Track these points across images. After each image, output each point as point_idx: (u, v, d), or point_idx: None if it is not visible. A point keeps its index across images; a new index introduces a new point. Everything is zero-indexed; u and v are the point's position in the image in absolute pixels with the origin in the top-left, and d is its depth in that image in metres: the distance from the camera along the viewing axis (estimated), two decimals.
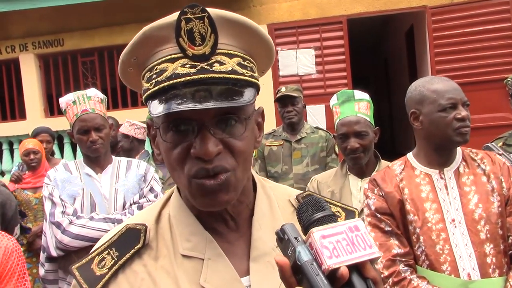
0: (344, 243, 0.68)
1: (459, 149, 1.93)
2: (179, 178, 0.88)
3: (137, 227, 0.93)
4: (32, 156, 4.18)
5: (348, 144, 2.45)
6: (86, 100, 2.58)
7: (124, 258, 0.90)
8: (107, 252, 0.91)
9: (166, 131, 0.85)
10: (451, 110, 1.84)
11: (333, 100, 2.59)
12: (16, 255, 1.83)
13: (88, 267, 0.90)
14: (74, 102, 2.58)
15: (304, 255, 0.67)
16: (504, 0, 6.46)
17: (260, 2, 7.03)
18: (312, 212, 0.74)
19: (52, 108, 7.76)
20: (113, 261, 0.90)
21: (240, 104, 0.82)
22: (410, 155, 2.01)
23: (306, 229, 0.73)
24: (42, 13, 7.09)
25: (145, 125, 4.63)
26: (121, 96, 7.54)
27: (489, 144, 2.89)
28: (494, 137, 3.31)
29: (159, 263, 0.90)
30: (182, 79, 0.81)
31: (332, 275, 0.66)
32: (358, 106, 2.48)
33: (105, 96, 2.73)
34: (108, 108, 2.75)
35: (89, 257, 0.92)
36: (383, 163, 2.57)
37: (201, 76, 0.82)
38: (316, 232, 0.69)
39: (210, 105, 0.79)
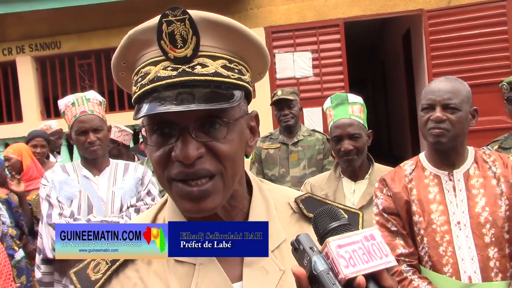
0: (360, 252, 0.68)
1: (471, 150, 1.93)
2: (161, 181, 0.87)
3: None
4: (6, 164, 4.19)
5: (341, 146, 2.45)
6: (85, 102, 2.59)
7: (117, 263, 0.90)
8: None
9: (151, 134, 0.85)
10: (429, 111, 1.87)
11: (327, 103, 2.60)
12: (3, 256, 1.83)
13: (84, 271, 0.91)
14: (73, 104, 2.58)
15: (320, 265, 0.67)
16: (500, 4, 6.48)
17: (257, 5, 7.04)
18: (327, 221, 0.74)
19: (49, 111, 7.73)
20: (107, 266, 0.90)
21: (221, 107, 0.81)
22: (422, 155, 2.01)
23: (322, 238, 0.73)
24: (39, 16, 7.08)
25: (131, 131, 4.64)
26: (118, 99, 7.53)
27: (484, 147, 2.90)
28: (490, 140, 3.32)
29: (152, 267, 0.90)
30: (163, 82, 0.81)
31: (348, 285, 0.66)
32: (352, 109, 2.49)
33: (104, 99, 2.73)
34: (105, 111, 2.75)
35: (86, 261, 0.92)
36: (376, 166, 2.59)
37: (182, 78, 0.81)
38: (332, 242, 0.69)
39: (190, 107, 0.78)
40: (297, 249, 0.72)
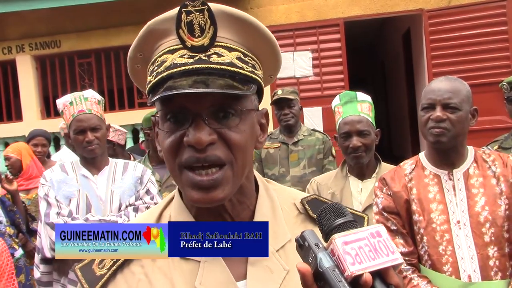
0: (366, 249, 0.68)
1: (471, 150, 1.93)
2: (172, 169, 0.88)
3: None
4: (6, 163, 4.25)
5: (350, 143, 2.44)
6: (83, 101, 2.58)
7: (122, 259, 0.90)
8: None
9: (164, 121, 0.86)
10: (429, 110, 1.87)
11: (336, 101, 2.59)
12: (6, 255, 1.83)
13: (89, 267, 0.91)
14: (71, 103, 2.58)
15: (325, 262, 0.67)
16: (500, 4, 6.48)
17: (258, 5, 7.03)
18: (332, 218, 0.73)
19: (49, 110, 7.73)
20: (112, 261, 0.90)
21: (236, 92, 0.82)
22: (422, 155, 2.02)
23: (327, 235, 0.72)
24: (39, 15, 7.08)
25: (125, 130, 4.63)
26: (118, 98, 7.53)
27: (484, 147, 2.89)
28: (490, 140, 3.32)
29: (157, 264, 0.90)
30: (180, 69, 0.82)
31: (354, 282, 0.65)
32: (361, 107, 2.49)
33: (102, 98, 2.73)
34: (105, 110, 2.75)
35: None
36: (384, 165, 2.57)
37: (198, 66, 0.82)
38: (338, 238, 0.68)
39: (205, 90, 0.79)
40: (302, 245, 0.72)
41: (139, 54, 0.93)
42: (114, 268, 0.90)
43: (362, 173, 2.55)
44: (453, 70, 6.23)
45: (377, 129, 2.54)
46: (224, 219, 0.92)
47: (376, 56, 12.68)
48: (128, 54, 0.94)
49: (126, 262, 0.90)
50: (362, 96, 2.53)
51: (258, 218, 0.94)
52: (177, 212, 0.95)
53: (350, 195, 2.52)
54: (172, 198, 1.00)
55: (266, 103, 5.31)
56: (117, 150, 4.42)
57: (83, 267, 0.92)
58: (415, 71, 8.02)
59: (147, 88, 0.88)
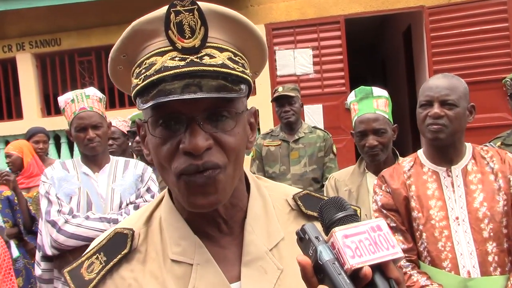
0: (366, 243, 0.68)
1: (469, 147, 1.95)
2: (168, 176, 0.85)
3: (125, 232, 0.91)
4: (7, 160, 4.26)
5: (366, 142, 2.44)
6: (85, 99, 2.58)
7: (111, 264, 0.88)
8: (95, 256, 0.90)
9: (155, 126, 0.83)
10: (426, 107, 1.89)
11: (351, 97, 2.58)
12: (3, 250, 1.83)
13: (78, 271, 0.89)
14: (72, 100, 2.58)
15: (325, 255, 0.67)
16: (502, 0, 6.47)
17: (258, 2, 7.02)
18: (333, 211, 0.73)
19: (49, 108, 7.73)
20: (101, 266, 0.88)
21: (229, 96, 0.80)
22: (420, 152, 2.03)
23: (327, 228, 0.72)
24: (39, 13, 7.07)
25: None
26: (118, 96, 7.52)
27: (487, 144, 2.89)
28: (493, 137, 3.31)
29: (147, 267, 0.88)
30: (171, 72, 0.79)
31: (354, 275, 0.65)
32: (377, 103, 2.47)
33: (104, 96, 2.73)
34: (105, 108, 2.75)
35: (80, 261, 0.91)
36: (401, 160, 2.56)
37: (191, 68, 0.79)
38: (338, 232, 0.68)
39: (201, 95, 0.77)
40: (302, 238, 0.72)
41: (122, 55, 0.88)
42: (103, 272, 0.87)
43: (380, 170, 2.53)
44: (454, 67, 6.22)
45: (394, 125, 2.52)
46: (217, 223, 0.91)
47: (377, 53, 12.66)
48: (110, 54, 0.90)
49: (115, 267, 0.88)
50: (378, 91, 2.51)
51: (249, 218, 0.93)
52: (167, 214, 0.93)
53: (366, 192, 2.51)
54: (162, 199, 0.98)
55: (266, 101, 5.29)
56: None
57: (72, 270, 0.89)
58: (416, 68, 8.01)
59: (134, 91, 0.85)
